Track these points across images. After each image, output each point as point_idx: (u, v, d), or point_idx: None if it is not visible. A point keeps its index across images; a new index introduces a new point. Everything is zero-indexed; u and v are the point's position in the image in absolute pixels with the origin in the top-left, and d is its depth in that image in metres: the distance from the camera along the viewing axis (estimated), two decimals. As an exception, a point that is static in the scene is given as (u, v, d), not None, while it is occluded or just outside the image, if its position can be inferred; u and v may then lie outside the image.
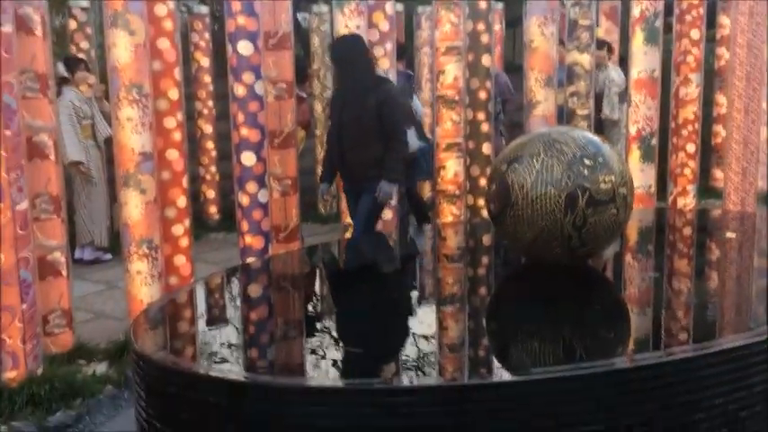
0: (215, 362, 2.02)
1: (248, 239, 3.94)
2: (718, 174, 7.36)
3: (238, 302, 2.69)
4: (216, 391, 1.80)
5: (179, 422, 1.89)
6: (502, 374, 1.99)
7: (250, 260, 3.85)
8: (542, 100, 4.48)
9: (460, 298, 2.76)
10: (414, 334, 2.26)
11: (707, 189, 7.07)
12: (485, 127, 4.73)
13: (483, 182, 4.73)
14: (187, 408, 1.86)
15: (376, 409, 1.70)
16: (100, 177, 5.44)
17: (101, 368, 3.41)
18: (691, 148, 4.84)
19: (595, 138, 2.75)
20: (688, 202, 4.83)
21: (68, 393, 3.09)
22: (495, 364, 2.09)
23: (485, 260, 3.34)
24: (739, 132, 4.51)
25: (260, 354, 2.21)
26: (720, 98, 7.16)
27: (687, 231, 3.72)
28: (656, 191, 4.87)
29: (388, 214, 4.33)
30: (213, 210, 6.70)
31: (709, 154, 7.28)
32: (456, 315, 2.53)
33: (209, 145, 6.65)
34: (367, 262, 3.37)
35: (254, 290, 2.89)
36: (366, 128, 3.82)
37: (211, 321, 2.45)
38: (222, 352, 2.12)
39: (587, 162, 2.54)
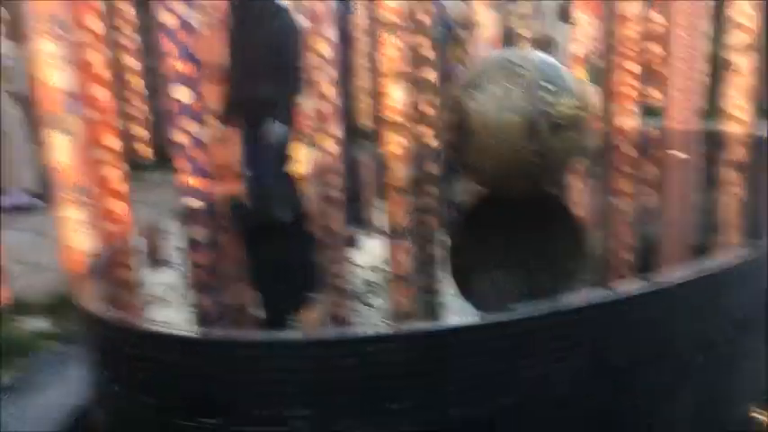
0: (166, 317, 1.88)
1: (188, 180, 3.74)
2: (652, 92, 7.43)
3: (186, 249, 2.53)
4: (170, 349, 1.67)
5: (135, 382, 1.76)
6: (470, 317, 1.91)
7: (193, 202, 3.66)
8: (486, 20, 4.33)
9: (416, 232, 2.68)
10: (369, 273, 2.16)
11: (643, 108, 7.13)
12: (428, 52, 4.56)
13: (428, 110, 4.61)
14: (141, 367, 1.73)
15: (345, 360, 1.60)
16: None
17: (40, 324, 3.22)
18: (633, 67, 4.81)
19: (553, 60, 2.65)
20: (631, 121, 4.83)
21: (9, 352, 2.91)
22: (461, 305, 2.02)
23: (438, 192, 3.25)
24: (682, 49, 4.49)
25: (215, 305, 2.08)
26: (655, 15, 7.15)
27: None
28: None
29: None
30: (145, 149, 6.39)
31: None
32: (412, 251, 2.44)
33: (136, 81, 6.28)
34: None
35: (203, 235, 2.73)
36: (257, 62, 3.47)
37: (159, 271, 2.29)
38: (174, 305, 1.98)
39: (547, 86, 2.44)
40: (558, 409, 1.70)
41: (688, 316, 1.82)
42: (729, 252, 2.02)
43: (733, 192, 2.91)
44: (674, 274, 1.85)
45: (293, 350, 1.61)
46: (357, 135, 6.43)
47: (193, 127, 3.59)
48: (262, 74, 3.41)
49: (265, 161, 3.52)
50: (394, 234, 2.69)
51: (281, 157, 3.60)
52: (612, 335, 1.74)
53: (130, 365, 1.74)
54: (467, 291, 2.13)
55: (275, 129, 3.43)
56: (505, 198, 2.62)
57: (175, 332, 1.72)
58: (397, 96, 4.37)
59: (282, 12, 3.55)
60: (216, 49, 3.80)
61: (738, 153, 3.55)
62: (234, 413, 1.62)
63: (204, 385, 1.64)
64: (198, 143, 3.63)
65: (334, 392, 1.59)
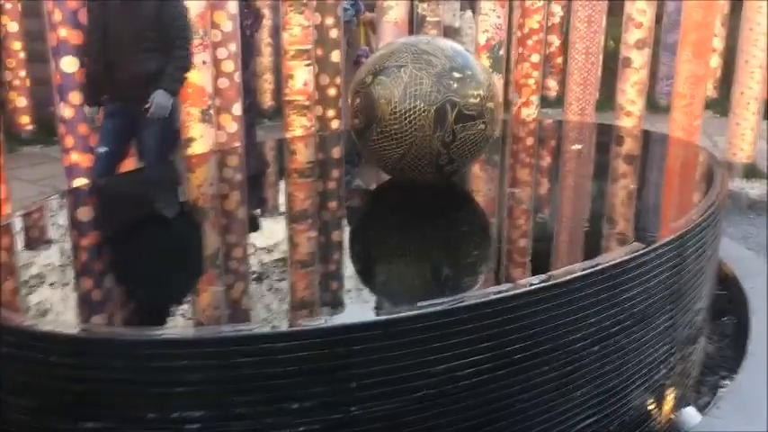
0: (51, 313, 1.72)
1: (74, 157, 3.49)
2: (550, 83, 7.64)
3: (72, 235, 2.34)
4: (56, 350, 1.52)
5: (11, 383, 1.60)
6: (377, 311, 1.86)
7: (79, 182, 3.42)
8: (394, 5, 4.27)
9: (316, 219, 2.60)
10: (270, 269, 2.07)
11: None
12: (333, 33, 4.46)
13: (332, 91, 4.52)
14: (24, 369, 1.57)
15: (246, 357, 1.52)
16: None
17: None
18: (535, 58, 4.88)
19: (462, 48, 2.63)
20: (531, 112, 4.92)
21: None
22: (373, 299, 1.97)
23: (340, 176, 3.18)
24: (582, 42, 4.60)
25: (103, 301, 1.93)
26: (555, 7, 7.33)
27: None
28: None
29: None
30: (25, 120, 5.95)
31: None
32: (313, 239, 2.37)
33: (16, 46, 5.81)
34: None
35: (89, 219, 2.54)
36: (142, 35, 3.22)
37: (41, 261, 2.11)
38: (58, 299, 1.82)
39: (456, 75, 2.41)
40: (461, 402, 1.68)
41: (584, 309, 1.84)
42: (623, 246, 2.06)
43: (626, 184, 3.00)
44: (572, 268, 1.87)
45: (185, 348, 1.50)
46: (259, 115, 6.25)
47: (79, 99, 3.34)
48: (147, 48, 3.19)
49: (157, 141, 3.30)
50: (295, 218, 2.61)
51: (170, 133, 3.38)
52: (512, 329, 1.73)
53: (5, 365, 1.58)
54: (369, 280, 2.09)
55: (161, 98, 3.18)
56: (409, 186, 2.59)
57: (55, 329, 1.57)
58: (301, 77, 4.25)
59: None
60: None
61: (630, 146, 3.68)
62: (118, 416, 1.50)
63: (86, 386, 1.51)
64: (85, 118, 3.38)
65: (231, 393, 1.50)
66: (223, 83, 3.93)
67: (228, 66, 3.93)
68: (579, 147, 3.61)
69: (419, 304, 1.62)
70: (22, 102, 5.89)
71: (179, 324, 1.70)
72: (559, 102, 6.63)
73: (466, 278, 2.08)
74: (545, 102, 7.21)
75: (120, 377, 1.50)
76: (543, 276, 1.78)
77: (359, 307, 1.83)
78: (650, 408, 2.11)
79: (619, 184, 3.01)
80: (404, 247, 2.25)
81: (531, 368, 1.75)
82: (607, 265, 1.88)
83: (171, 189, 3.05)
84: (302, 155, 3.52)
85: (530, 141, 3.83)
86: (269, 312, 1.77)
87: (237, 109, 4.00)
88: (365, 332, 1.56)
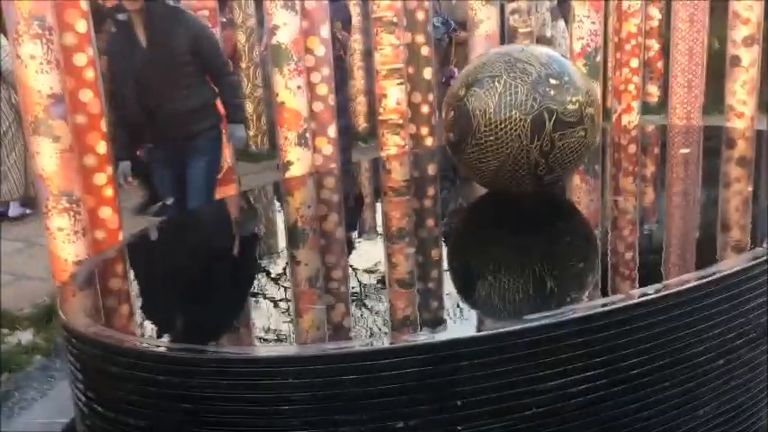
0: (157, 335, 1.76)
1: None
2: (650, 88, 7.34)
3: (179, 260, 2.41)
4: (162, 369, 1.55)
5: (123, 404, 1.64)
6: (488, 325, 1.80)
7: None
8: (484, 18, 4.22)
9: (414, 237, 2.57)
10: (375, 285, 2.05)
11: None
12: (424, 50, 4.45)
13: (425, 109, 4.50)
14: (130, 388, 1.61)
15: (351, 374, 1.50)
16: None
17: (26, 336, 3.10)
18: (634, 62, 4.71)
19: (558, 54, 2.55)
20: (632, 119, 4.73)
21: (-6, 368, 2.80)
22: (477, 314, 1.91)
23: (436, 192, 3.14)
24: (684, 43, 4.39)
25: (208, 322, 1.96)
26: (652, 10, 7.07)
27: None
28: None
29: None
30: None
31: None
32: (412, 256, 2.33)
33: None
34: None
35: (196, 244, 2.61)
36: (181, 72, 3.15)
37: (149, 285, 2.18)
38: (164, 322, 1.87)
39: (553, 81, 2.34)
40: (573, 422, 1.60)
41: (704, 321, 1.71)
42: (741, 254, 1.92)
43: (740, 189, 2.81)
44: (688, 277, 1.76)
45: (289, 365, 1.50)
46: (354, 136, 6.32)
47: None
48: (188, 85, 3.13)
49: (206, 178, 3.22)
50: (393, 237, 2.59)
51: (217, 168, 3.35)
52: (628, 342, 1.63)
53: (113, 384, 1.62)
54: (470, 296, 2.03)
55: (237, 130, 3.21)
56: (508, 198, 2.52)
57: (163, 349, 1.61)
58: (394, 95, 4.26)
59: (181, 12, 3.30)
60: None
61: (743, 148, 3.46)
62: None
63: (197, 404, 1.53)
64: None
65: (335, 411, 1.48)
66: (318, 106, 3.99)
67: (322, 89, 3.99)
68: (687, 151, 3.43)
69: (526, 317, 1.56)
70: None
71: (283, 343, 1.71)
72: (662, 107, 6.35)
73: (572, 291, 1.99)
74: (646, 108, 6.92)
75: (226, 395, 1.51)
76: (658, 285, 1.68)
77: (462, 323, 1.78)
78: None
79: (732, 188, 2.83)
80: (505, 260, 2.19)
81: (649, 384, 1.64)
82: (727, 273, 1.75)
83: (269, 212, 3.10)
84: (397, 173, 3.51)
85: (633, 148, 3.68)
86: (371, 330, 1.75)
87: (333, 131, 4.04)
88: (471, 347, 1.51)
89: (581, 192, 2.92)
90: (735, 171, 3.09)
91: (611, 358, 1.59)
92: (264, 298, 2.03)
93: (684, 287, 1.67)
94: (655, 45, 7.18)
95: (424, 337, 1.58)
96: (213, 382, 1.52)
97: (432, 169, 3.55)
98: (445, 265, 2.25)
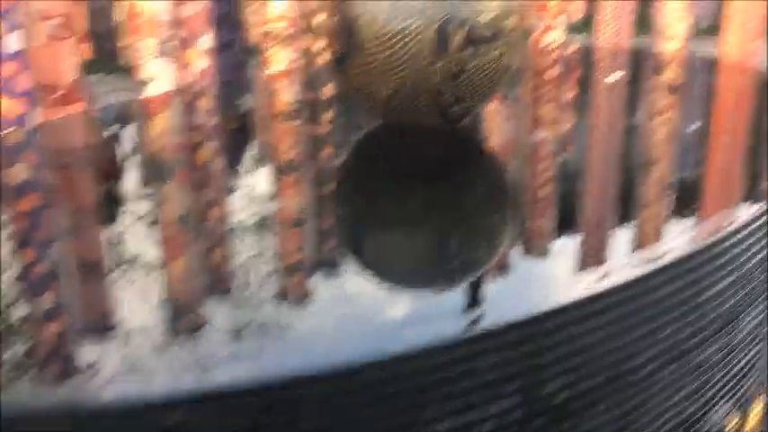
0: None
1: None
2: (576, 4, 6.84)
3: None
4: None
5: None
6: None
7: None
8: None
9: (307, 167, 2.01)
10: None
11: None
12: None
13: (322, 19, 3.85)
14: None
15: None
16: None
17: None
18: (559, -27, 4.17)
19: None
20: (556, 37, 4.22)
21: None
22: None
23: (334, 118, 2.57)
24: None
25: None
26: None
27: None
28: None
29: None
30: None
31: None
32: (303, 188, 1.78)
33: None
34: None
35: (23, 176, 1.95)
36: None
37: None
38: None
39: (463, -19, 1.78)
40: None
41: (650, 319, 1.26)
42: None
43: (667, 118, 2.38)
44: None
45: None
46: (246, 50, 5.58)
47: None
48: None
49: None
50: (281, 169, 2.05)
51: None
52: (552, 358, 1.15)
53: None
54: (358, 252, 1.53)
55: None
56: (405, 131, 1.98)
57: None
58: (280, 1, 3.59)
59: None
60: None
61: (673, 74, 3.03)
62: None
63: None
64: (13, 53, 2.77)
65: None
66: (186, 10, 3.29)
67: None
68: (613, 76, 2.96)
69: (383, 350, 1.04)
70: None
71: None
72: (585, 26, 5.89)
73: (481, 247, 1.50)
74: (573, 27, 6.47)
75: None
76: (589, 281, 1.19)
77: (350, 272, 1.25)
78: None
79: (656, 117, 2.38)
80: (399, 210, 1.67)
81: (578, 412, 1.18)
82: (685, 254, 1.29)
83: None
84: (287, 93, 2.91)
85: (557, 72, 3.18)
86: (254, 267, 1.20)
87: (206, 41, 3.37)
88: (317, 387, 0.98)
89: (495, 123, 2.41)
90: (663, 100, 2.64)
91: (528, 383, 1.10)
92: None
93: (631, 278, 1.19)
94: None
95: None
96: None
97: (329, 89, 2.95)
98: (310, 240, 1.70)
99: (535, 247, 1.53)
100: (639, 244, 1.45)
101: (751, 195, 1.62)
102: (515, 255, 1.49)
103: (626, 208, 1.67)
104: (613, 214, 1.69)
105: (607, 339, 1.17)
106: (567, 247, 1.46)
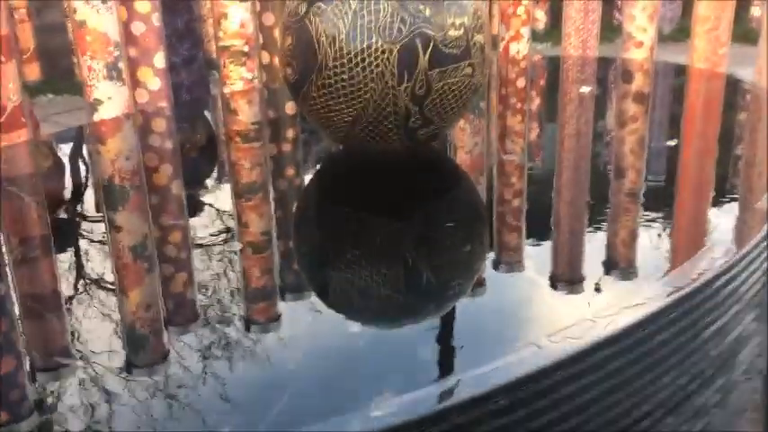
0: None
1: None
2: (537, 13, 6.79)
3: None
4: None
5: None
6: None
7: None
8: None
9: (269, 191, 1.87)
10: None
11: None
12: (278, -40, 3.62)
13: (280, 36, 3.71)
14: None
15: None
16: None
17: None
18: (523, -18, 4.07)
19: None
20: (521, 48, 4.13)
21: None
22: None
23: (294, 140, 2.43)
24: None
25: None
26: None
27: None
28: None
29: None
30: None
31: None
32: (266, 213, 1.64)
33: None
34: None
35: None
36: None
37: None
38: None
39: (428, -3, 1.65)
40: None
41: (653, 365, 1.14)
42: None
43: (635, 128, 2.30)
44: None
45: None
46: (208, 66, 5.41)
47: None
48: None
49: None
50: (242, 192, 1.92)
51: None
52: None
53: None
54: (321, 289, 1.41)
55: None
56: (369, 158, 1.85)
57: None
58: (236, 16, 3.44)
59: None
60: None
61: (641, 83, 2.96)
62: None
63: None
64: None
65: None
66: (138, 27, 3.12)
67: (144, 6, 3.11)
68: (588, 89, 2.87)
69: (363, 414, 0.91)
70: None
71: None
72: (549, 35, 5.85)
73: (454, 282, 1.38)
74: (534, 36, 6.42)
75: None
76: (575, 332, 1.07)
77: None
78: None
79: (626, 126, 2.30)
80: (362, 242, 1.54)
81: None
82: (684, 292, 1.17)
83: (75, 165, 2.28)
84: (245, 112, 2.77)
85: (523, 84, 3.08)
86: (219, 297, 1.05)
87: (160, 60, 3.19)
88: None
89: (469, 150, 2.29)
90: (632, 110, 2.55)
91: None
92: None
93: (626, 325, 1.07)
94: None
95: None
96: None
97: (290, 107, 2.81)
98: (276, 275, 1.56)
99: (506, 262, 1.44)
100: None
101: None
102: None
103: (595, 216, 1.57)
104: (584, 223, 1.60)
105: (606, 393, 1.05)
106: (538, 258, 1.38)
